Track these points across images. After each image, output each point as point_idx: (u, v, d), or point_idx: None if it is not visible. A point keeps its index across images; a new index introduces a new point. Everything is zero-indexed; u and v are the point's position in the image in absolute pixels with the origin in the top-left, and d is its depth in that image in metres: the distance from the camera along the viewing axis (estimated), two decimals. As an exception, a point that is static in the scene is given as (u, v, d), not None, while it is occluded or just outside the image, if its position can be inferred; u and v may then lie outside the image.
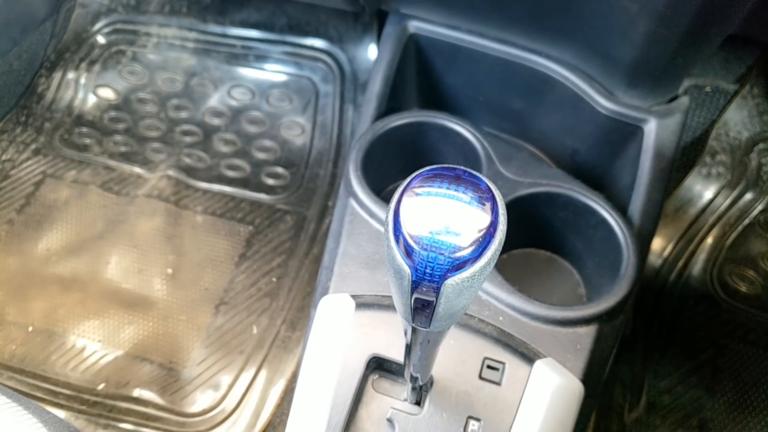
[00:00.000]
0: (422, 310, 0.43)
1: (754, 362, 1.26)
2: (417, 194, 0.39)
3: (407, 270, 0.39)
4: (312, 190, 1.50)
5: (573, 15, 0.91)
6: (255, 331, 1.29)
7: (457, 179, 0.39)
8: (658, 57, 0.86)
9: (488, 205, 0.38)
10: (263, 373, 1.25)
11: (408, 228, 0.38)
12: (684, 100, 0.97)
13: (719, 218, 1.39)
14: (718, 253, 1.38)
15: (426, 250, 0.37)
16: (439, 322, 0.45)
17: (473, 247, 0.37)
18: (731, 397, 1.23)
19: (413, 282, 0.40)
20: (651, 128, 0.95)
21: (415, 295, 0.41)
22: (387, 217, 0.40)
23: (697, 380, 1.25)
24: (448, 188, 0.38)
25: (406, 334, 0.52)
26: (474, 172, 0.40)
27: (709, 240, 1.39)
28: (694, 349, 1.29)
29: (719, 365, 1.26)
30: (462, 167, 0.40)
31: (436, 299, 0.41)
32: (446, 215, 0.37)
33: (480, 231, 0.37)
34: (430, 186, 0.39)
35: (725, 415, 1.21)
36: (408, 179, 0.40)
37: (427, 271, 0.38)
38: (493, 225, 0.38)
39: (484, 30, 1.03)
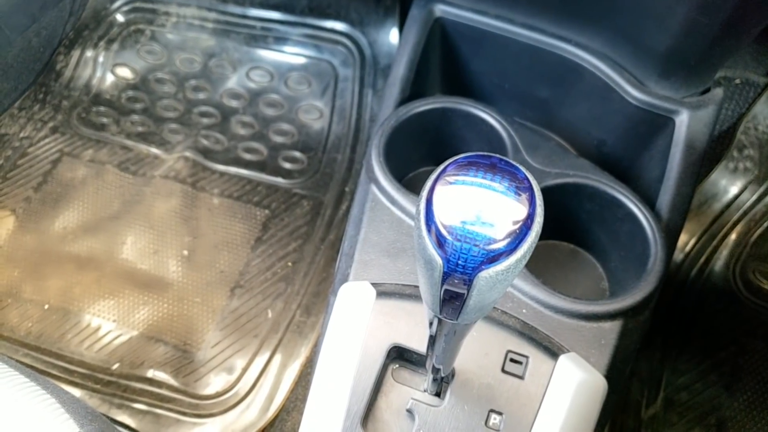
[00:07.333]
0: (451, 302, 0.42)
1: (776, 362, 1.24)
2: (450, 183, 0.37)
3: (439, 261, 0.38)
4: (329, 175, 1.49)
5: (606, 1, 0.88)
6: (270, 315, 1.29)
7: (493, 168, 0.38)
8: (694, 46, 0.83)
9: (525, 195, 0.36)
10: (278, 358, 1.24)
11: (441, 217, 0.37)
12: (718, 92, 0.94)
13: (744, 214, 1.37)
14: (741, 250, 1.35)
15: (459, 240, 0.36)
16: (467, 315, 0.44)
17: (509, 239, 0.36)
18: (751, 396, 1.21)
19: (444, 273, 0.38)
20: (683, 120, 0.92)
21: (445, 287, 0.40)
22: (419, 205, 0.38)
23: (717, 378, 1.23)
24: (483, 177, 0.37)
25: (431, 325, 0.51)
26: (510, 161, 0.38)
27: (733, 236, 1.37)
28: (714, 346, 1.27)
29: (739, 363, 1.24)
30: (498, 155, 0.39)
31: (468, 292, 0.39)
32: (481, 205, 0.36)
33: (516, 223, 0.36)
34: (464, 174, 0.37)
35: (744, 414, 1.19)
36: (441, 167, 0.39)
37: (460, 262, 0.37)
38: (530, 217, 0.36)
39: (512, 15, 1.01)
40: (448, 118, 0.99)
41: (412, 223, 0.86)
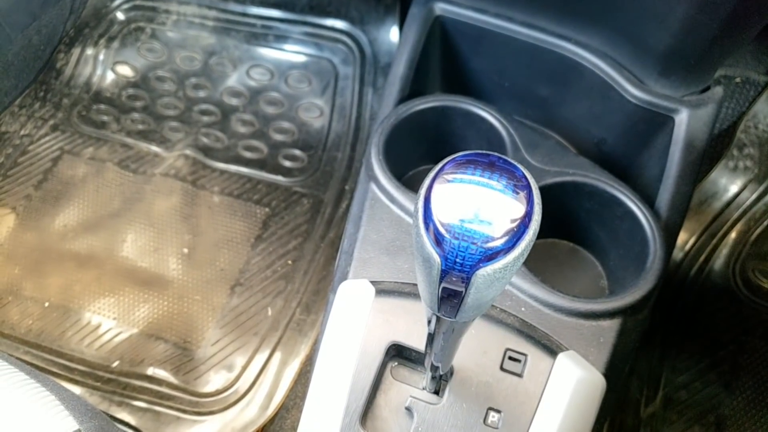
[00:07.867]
0: (449, 300, 0.42)
1: (775, 360, 1.24)
2: (449, 181, 0.37)
3: (437, 259, 0.38)
4: (329, 174, 1.49)
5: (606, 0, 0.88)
6: (270, 313, 1.29)
7: (491, 166, 0.38)
8: (694, 45, 0.83)
9: (523, 193, 0.37)
10: (277, 356, 1.24)
11: (439, 215, 0.37)
12: (718, 91, 0.94)
13: (744, 213, 1.36)
14: (741, 249, 1.35)
15: (457, 239, 0.36)
16: (465, 313, 0.44)
17: (506, 237, 0.36)
18: (750, 395, 1.21)
19: (442, 271, 0.39)
20: (682, 119, 0.92)
21: (443, 285, 0.40)
22: (417, 203, 0.38)
23: (716, 377, 1.23)
24: (481, 175, 0.37)
25: (429, 323, 0.51)
26: (509, 159, 0.38)
27: (733, 235, 1.36)
28: (713, 345, 1.27)
29: (739, 362, 1.24)
30: (496, 154, 0.39)
31: (466, 290, 0.40)
32: (479, 203, 0.36)
33: (514, 221, 0.36)
34: (462, 173, 0.37)
35: (743, 412, 1.19)
36: (439, 165, 0.39)
37: (458, 260, 0.37)
38: (528, 215, 0.36)
39: (512, 14, 1.01)
40: (447, 116, 0.99)
41: (411, 221, 0.86)
